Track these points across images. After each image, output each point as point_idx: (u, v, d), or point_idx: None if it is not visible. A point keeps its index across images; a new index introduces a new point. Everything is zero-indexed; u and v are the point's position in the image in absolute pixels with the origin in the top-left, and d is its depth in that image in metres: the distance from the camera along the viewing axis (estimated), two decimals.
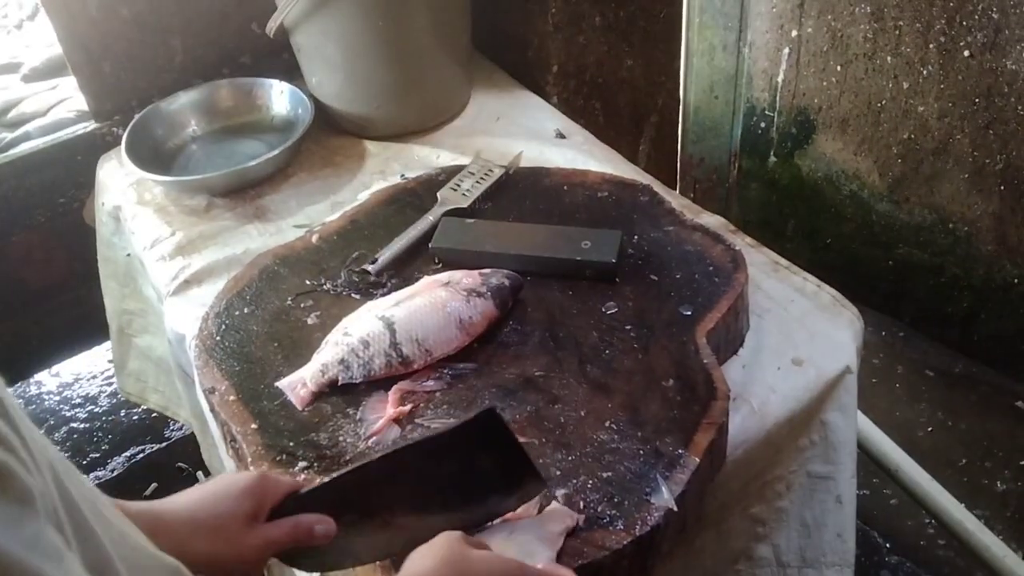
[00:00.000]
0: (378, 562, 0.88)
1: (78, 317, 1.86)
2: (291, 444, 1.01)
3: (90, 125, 1.72)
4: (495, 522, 0.88)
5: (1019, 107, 1.54)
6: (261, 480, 0.81)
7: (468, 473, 0.84)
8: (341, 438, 1.01)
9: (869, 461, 1.55)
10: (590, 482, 0.93)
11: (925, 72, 1.65)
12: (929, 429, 1.83)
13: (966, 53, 1.57)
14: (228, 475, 0.84)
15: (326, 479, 0.83)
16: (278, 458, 0.99)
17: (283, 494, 0.82)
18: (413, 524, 0.82)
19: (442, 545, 0.74)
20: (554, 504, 0.90)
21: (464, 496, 0.85)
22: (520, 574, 0.75)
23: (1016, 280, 1.71)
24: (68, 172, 1.72)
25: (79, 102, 1.76)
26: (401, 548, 0.80)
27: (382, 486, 0.82)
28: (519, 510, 0.88)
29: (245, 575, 0.80)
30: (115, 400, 2.19)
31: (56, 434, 2.13)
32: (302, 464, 0.98)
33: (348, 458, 0.99)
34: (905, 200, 1.82)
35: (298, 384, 1.07)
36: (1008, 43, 1.50)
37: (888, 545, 1.70)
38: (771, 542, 1.17)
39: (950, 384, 1.88)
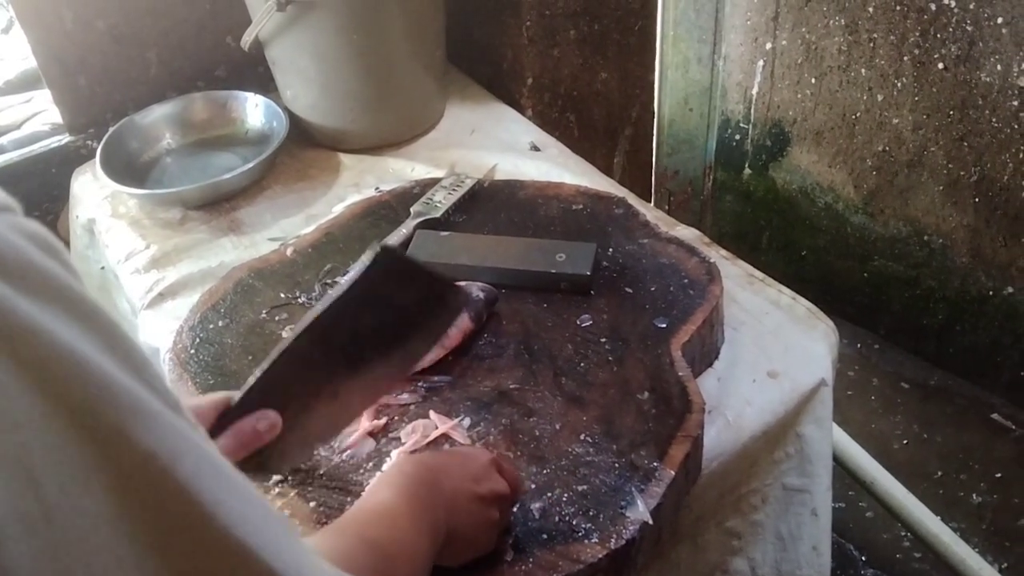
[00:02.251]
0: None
1: None
2: None
3: (64, 138, 1.71)
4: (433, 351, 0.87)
5: (993, 119, 1.55)
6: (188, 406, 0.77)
7: (391, 314, 0.81)
8: (294, 332, 0.99)
9: (845, 474, 1.56)
10: (565, 495, 0.92)
11: (899, 84, 1.66)
12: (905, 442, 1.83)
13: (940, 65, 1.59)
14: None
15: (252, 380, 0.77)
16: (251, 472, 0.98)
17: (212, 411, 0.76)
18: (361, 384, 0.81)
19: (400, 465, 0.76)
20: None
21: (396, 337, 0.82)
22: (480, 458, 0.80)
23: (991, 292, 1.72)
24: (42, 185, 1.70)
25: (53, 115, 1.74)
26: (363, 407, 0.82)
27: (313, 363, 0.79)
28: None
29: None
30: None
31: None
32: (276, 478, 0.97)
33: (322, 472, 0.98)
34: (880, 212, 1.83)
35: None
36: (982, 55, 1.52)
37: (864, 558, 1.70)
38: (747, 555, 1.17)
39: (926, 396, 1.89)
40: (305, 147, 1.63)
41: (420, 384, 1.07)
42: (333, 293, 0.77)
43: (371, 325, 0.80)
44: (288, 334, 0.90)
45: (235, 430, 0.75)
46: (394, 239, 1.27)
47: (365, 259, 0.77)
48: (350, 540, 0.69)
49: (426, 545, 0.74)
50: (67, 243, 1.66)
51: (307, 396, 0.79)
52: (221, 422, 0.76)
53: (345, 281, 0.78)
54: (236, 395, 0.77)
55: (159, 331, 1.27)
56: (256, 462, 0.78)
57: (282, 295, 1.22)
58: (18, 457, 0.36)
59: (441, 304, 0.84)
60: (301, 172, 1.58)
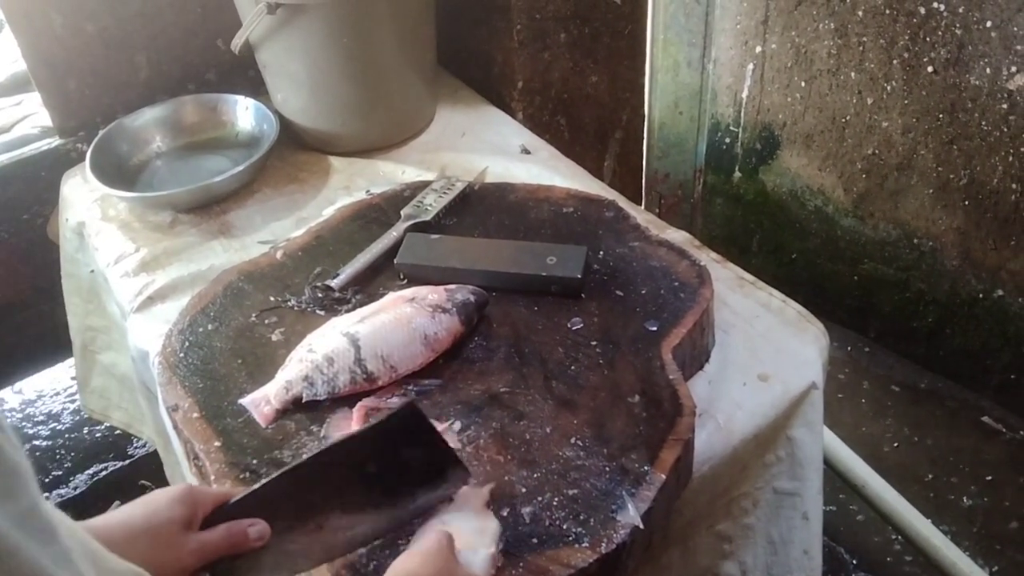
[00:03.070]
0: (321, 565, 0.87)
1: (41, 334, 1.83)
2: (254, 462, 0.99)
3: (54, 141, 1.70)
4: (428, 521, 0.88)
5: (983, 122, 1.56)
6: (190, 490, 0.81)
7: (394, 470, 0.85)
8: (305, 455, 1.00)
9: (835, 477, 1.56)
10: (556, 499, 0.92)
11: (889, 88, 1.67)
12: (895, 444, 1.83)
13: (930, 69, 1.59)
14: (155, 491, 0.84)
15: (254, 487, 0.82)
16: (241, 476, 0.98)
17: (213, 503, 0.82)
18: (346, 525, 0.84)
19: (431, 545, 0.76)
20: (463, 488, 0.91)
21: (392, 494, 0.86)
22: None
23: (981, 295, 1.72)
24: (32, 188, 1.70)
25: (43, 118, 1.73)
26: (339, 552, 0.84)
27: (311, 489, 0.83)
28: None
29: None
30: (78, 417, 2.16)
31: None
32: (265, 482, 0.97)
33: None
34: (870, 215, 1.83)
35: (262, 402, 1.05)
36: (971, 59, 1.52)
37: (855, 561, 1.70)
38: (737, 559, 1.17)
39: (916, 399, 1.89)
40: (295, 150, 1.63)
41: (411, 388, 1.07)
42: (350, 431, 0.85)
43: (372, 473, 0.84)
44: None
45: (229, 527, 0.80)
46: (385, 242, 1.27)
47: (392, 409, 0.82)
48: None
49: None
50: (57, 246, 1.65)
51: (295, 519, 0.82)
52: (215, 514, 0.81)
53: (367, 425, 0.85)
54: (235, 496, 0.82)
55: (148, 335, 1.27)
56: (228, 568, 0.81)
57: (272, 298, 1.22)
58: None
59: (444, 478, 0.88)
60: (291, 175, 1.58)
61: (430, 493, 0.88)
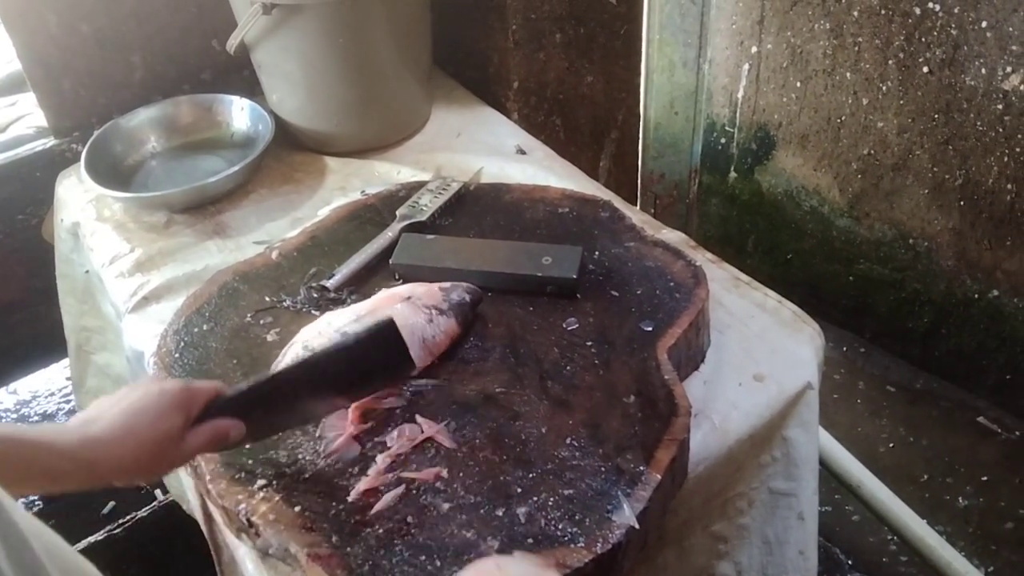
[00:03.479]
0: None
1: (36, 334, 1.83)
2: (250, 462, 0.99)
3: (49, 141, 1.70)
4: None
5: (978, 123, 1.56)
6: (187, 391, 0.88)
7: (361, 366, 0.97)
8: (300, 455, 1.00)
9: (831, 477, 1.56)
10: (551, 499, 0.92)
11: (884, 88, 1.67)
12: (891, 445, 1.83)
13: (925, 69, 1.59)
14: (151, 385, 0.89)
15: (244, 387, 0.92)
16: (236, 476, 0.98)
17: (205, 400, 0.90)
18: (310, 404, 0.98)
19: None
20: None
21: (352, 380, 0.99)
22: None
23: (976, 295, 1.72)
24: (27, 188, 1.69)
25: (38, 118, 1.73)
26: (302, 421, 1.01)
27: (289, 391, 0.95)
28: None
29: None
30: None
31: None
32: (261, 482, 0.97)
33: (307, 476, 0.97)
34: (865, 216, 1.83)
35: None
36: (967, 59, 1.53)
37: (850, 562, 1.70)
38: (733, 559, 1.17)
39: (911, 400, 1.89)
40: (291, 150, 1.63)
41: (406, 388, 1.07)
42: (335, 342, 0.98)
43: (344, 370, 0.96)
44: (286, 355, 1.09)
45: (213, 427, 0.89)
46: (380, 242, 1.27)
47: (372, 323, 0.96)
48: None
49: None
50: (52, 247, 1.65)
51: (271, 408, 0.95)
52: (207, 409, 0.90)
53: (349, 336, 0.97)
54: (226, 391, 0.92)
55: (143, 335, 1.27)
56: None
57: (267, 299, 1.22)
58: None
59: (396, 367, 1.00)
60: (287, 175, 1.58)
61: (381, 378, 1.02)
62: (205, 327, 1.17)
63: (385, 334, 0.95)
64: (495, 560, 0.81)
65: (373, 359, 0.97)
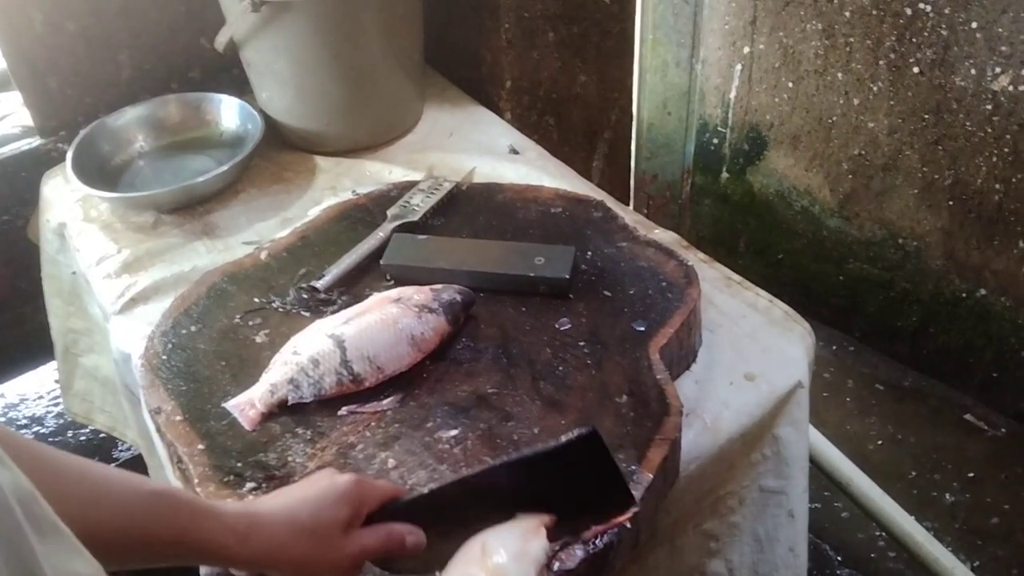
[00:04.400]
0: None
1: (22, 336, 1.81)
2: (239, 465, 0.99)
3: (35, 141, 1.68)
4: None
5: (968, 123, 1.57)
6: (359, 486, 0.81)
7: (561, 490, 0.81)
8: (290, 458, 0.99)
9: (821, 475, 1.56)
10: None
11: (875, 88, 1.67)
12: (879, 442, 1.84)
13: (916, 70, 1.60)
14: (325, 475, 0.83)
15: (425, 491, 0.83)
16: (225, 479, 0.97)
17: (379, 500, 0.82)
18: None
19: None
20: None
21: (555, 511, 0.81)
22: None
23: (964, 294, 1.73)
24: (12, 188, 1.68)
25: (24, 117, 1.72)
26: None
27: (477, 498, 0.82)
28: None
29: None
30: (61, 421, 2.14)
31: None
32: (250, 485, 0.96)
33: (297, 478, 0.97)
34: (855, 216, 1.84)
35: (246, 405, 1.04)
36: (957, 60, 1.53)
37: (840, 558, 1.71)
38: (724, 557, 1.17)
39: (900, 398, 1.90)
40: (281, 150, 1.62)
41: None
42: (526, 450, 0.82)
43: (540, 491, 0.81)
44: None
45: (389, 530, 0.81)
46: (371, 243, 1.26)
47: (573, 433, 0.78)
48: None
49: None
50: (38, 248, 1.64)
51: (451, 528, 0.80)
52: (383, 511, 0.82)
53: (543, 445, 0.80)
54: (404, 496, 0.84)
55: (131, 337, 1.25)
56: (384, 560, 0.84)
57: (256, 299, 1.21)
58: None
59: (608, 502, 0.82)
60: (276, 175, 1.57)
61: (591, 516, 0.83)
62: (193, 329, 1.17)
63: (587, 445, 0.78)
64: (480, 541, 0.78)
65: (572, 473, 0.80)
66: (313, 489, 0.80)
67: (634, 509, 0.82)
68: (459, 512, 0.82)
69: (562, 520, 0.81)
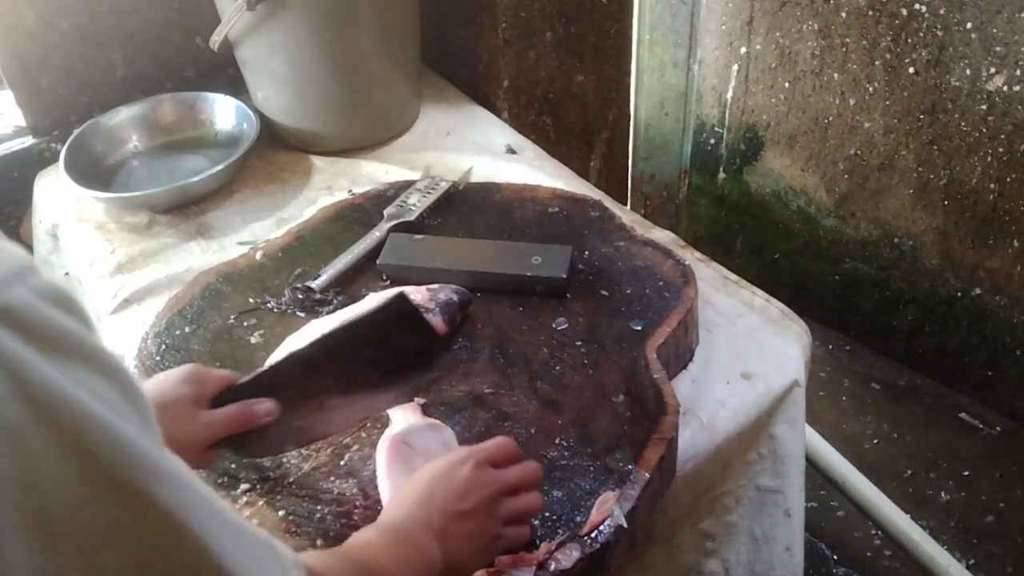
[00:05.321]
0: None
1: None
2: (232, 466, 0.98)
3: (27, 140, 1.67)
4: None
5: (963, 123, 1.57)
6: (196, 369, 0.87)
7: (387, 355, 0.91)
8: (284, 459, 0.99)
9: (817, 474, 1.56)
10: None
11: (871, 89, 1.67)
12: (875, 441, 1.84)
13: (911, 70, 1.60)
14: (161, 372, 0.90)
15: (259, 369, 0.90)
16: (220, 480, 0.97)
17: (219, 384, 0.88)
18: (344, 404, 0.92)
19: (413, 484, 0.81)
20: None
21: (386, 376, 0.92)
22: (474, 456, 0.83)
23: (959, 294, 1.73)
24: (4, 189, 1.67)
25: (16, 117, 1.71)
26: (339, 427, 0.95)
27: (312, 373, 0.89)
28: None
29: (196, 463, 0.85)
30: None
31: None
32: (244, 486, 0.96)
33: (291, 480, 0.96)
34: (851, 215, 1.84)
35: None
36: (952, 60, 1.53)
37: (836, 557, 1.71)
38: (720, 556, 1.17)
39: (895, 397, 1.90)
40: (276, 149, 1.61)
41: None
42: (345, 317, 0.91)
43: (368, 358, 0.90)
44: (292, 340, 1.06)
45: (240, 406, 0.86)
46: (367, 242, 1.26)
47: (383, 297, 0.89)
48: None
49: None
50: (30, 248, 1.63)
51: (297, 399, 0.89)
52: (223, 397, 0.87)
53: (359, 310, 0.91)
54: (242, 378, 0.89)
55: (124, 337, 1.25)
56: (238, 444, 0.89)
57: (251, 300, 1.20)
58: (43, 518, 0.39)
59: (432, 362, 0.94)
60: (272, 175, 1.57)
61: (421, 375, 0.93)
62: (187, 329, 1.16)
63: (397, 307, 0.90)
64: (397, 442, 0.91)
65: (392, 335, 0.91)
66: (155, 378, 0.87)
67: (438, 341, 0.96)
68: (299, 386, 0.89)
69: (395, 381, 0.93)
